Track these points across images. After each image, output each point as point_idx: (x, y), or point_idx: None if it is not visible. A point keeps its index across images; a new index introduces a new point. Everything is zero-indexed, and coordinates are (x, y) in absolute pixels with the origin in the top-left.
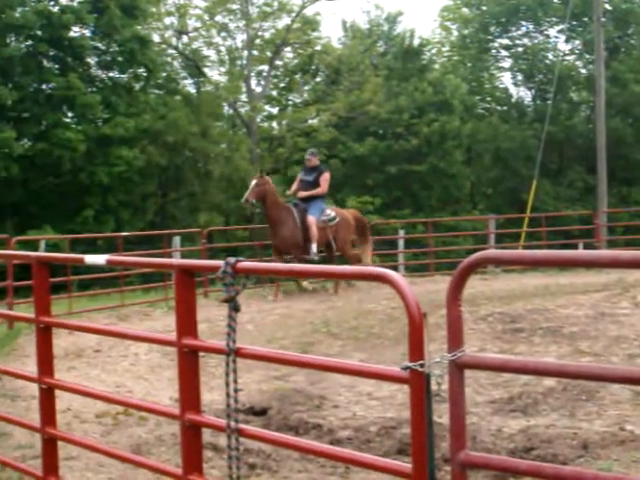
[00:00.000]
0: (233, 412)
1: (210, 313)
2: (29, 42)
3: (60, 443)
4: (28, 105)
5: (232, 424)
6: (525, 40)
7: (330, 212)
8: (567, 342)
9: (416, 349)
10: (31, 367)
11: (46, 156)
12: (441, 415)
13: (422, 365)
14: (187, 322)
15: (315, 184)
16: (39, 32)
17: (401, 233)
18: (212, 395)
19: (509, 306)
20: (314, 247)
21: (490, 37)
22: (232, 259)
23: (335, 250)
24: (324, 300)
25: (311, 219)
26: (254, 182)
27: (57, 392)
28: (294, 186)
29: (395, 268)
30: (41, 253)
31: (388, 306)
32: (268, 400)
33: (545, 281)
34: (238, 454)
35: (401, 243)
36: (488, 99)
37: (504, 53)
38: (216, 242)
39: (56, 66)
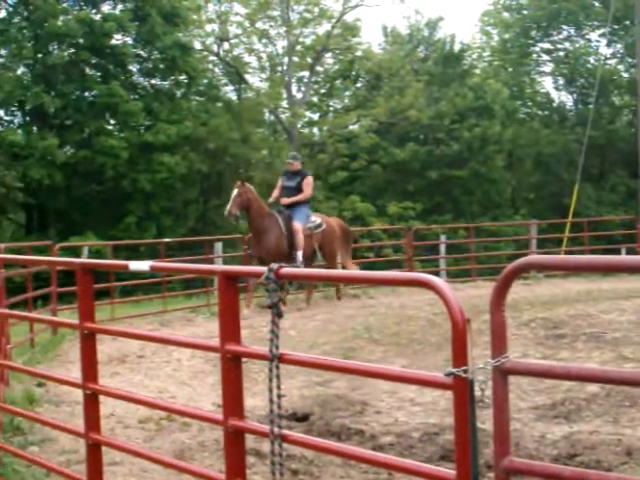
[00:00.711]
0: (276, 418)
1: (252, 319)
2: (71, 50)
3: (104, 448)
4: (71, 113)
5: (275, 430)
6: (566, 44)
7: (316, 219)
8: (610, 348)
9: (459, 355)
10: (75, 373)
11: (89, 163)
12: (484, 421)
13: (465, 371)
14: (230, 328)
15: (298, 189)
16: (81, 40)
17: (442, 238)
18: (255, 401)
19: (551, 312)
20: (300, 255)
21: (531, 41)
22: (275, 265)
23: (320, 259)
24: (366, 306)
25: (297, 225)
26: (235, 192)
27: (101, 398)
28: (275, 193)
29: (437, 274)
30: (85, 259)
31: (430, 312)
32: (310, 406)
33: (588, 286)
34: (281, 460)
35: (442, 248)
36: (529, 104)
37: (545, 57)
38: None
39: (98, 74)
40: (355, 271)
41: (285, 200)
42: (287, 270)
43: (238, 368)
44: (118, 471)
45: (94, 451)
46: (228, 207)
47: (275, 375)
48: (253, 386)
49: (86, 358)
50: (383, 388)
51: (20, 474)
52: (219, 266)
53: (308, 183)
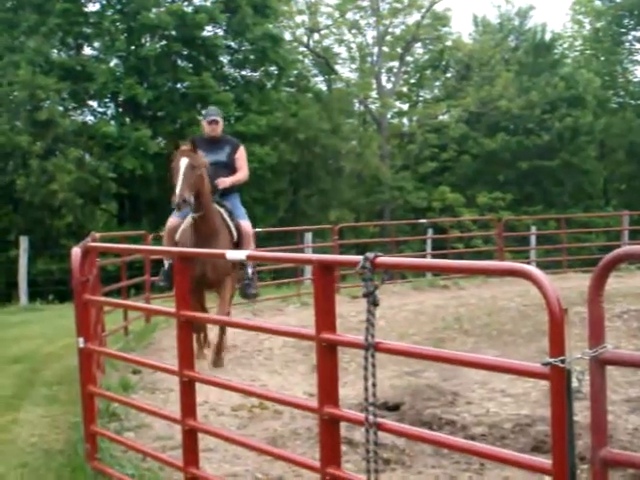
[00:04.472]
0: (371, 406)
1: (342, 308)
2: (164, 42)
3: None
4: (163, 104)
5: (370, 418)
6: None
7: None
8: None
9: (557, 345)
10: (168, 361)
11: None
12: (575, 413)
13: (563, 361)
14: (326, 317)
15: (230, 167)
16: (173, 32)
17: (533, 229)
18: (345, 390)
19: None
20: (250, 271)
21: (624, 30)
22: (371, 254)
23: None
24: (455, 297)
25: (247, 225)
26: (186, 162)
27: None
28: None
29: (527, 265)
30: (182, 249)
31: (520, 303)
32: (401, 396)
33: None
34: (376, 448)
35: (533, 239)
36: (622, 93)
37: (638, 46)
38: (346, 238)
39: (190, 65)
40: (458, 261)
41: (225, 181)
42: (383, 259)
43: (334, 356)
44: (212, 457)
45: (190, 437)
46: (178, 189)
47: (370, 364)
48: (344, 376)
49: (182, 345)
50: (474, 378)
51: (117, 459)
52: (315, 255)
53: (243, 156)
